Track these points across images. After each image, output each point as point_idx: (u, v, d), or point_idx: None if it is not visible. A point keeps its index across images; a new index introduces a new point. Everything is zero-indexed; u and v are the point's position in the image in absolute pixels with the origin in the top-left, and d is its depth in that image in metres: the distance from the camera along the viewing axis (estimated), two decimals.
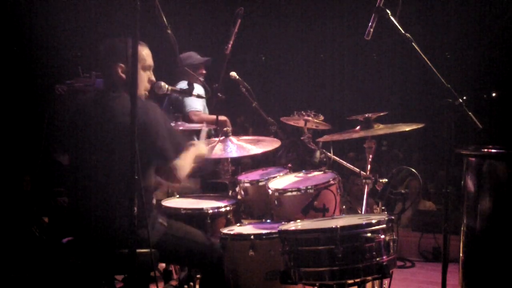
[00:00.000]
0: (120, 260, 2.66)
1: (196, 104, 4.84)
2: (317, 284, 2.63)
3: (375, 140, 3.54)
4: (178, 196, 3.87)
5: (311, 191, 3.32)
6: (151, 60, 2.99)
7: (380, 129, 3.44)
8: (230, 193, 3.77)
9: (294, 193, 3.37)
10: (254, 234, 3.07)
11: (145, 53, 2.96)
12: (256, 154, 3.86)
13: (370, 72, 9.29)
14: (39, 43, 7.28)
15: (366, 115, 3.47)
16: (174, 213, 3.40)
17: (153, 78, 3.01)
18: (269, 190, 3.46)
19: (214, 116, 4.55)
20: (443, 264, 2.83)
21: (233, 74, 4.65)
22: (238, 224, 3.41)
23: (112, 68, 2.87)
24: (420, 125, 3.34)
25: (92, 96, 2.98)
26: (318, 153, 3.76)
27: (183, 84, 4.33)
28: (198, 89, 4.41)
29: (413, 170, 3.34)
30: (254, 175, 3.88)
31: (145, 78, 2.96)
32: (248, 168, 4.31)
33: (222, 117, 4.62)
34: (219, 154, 3.65)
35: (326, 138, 3.62)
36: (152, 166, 2.86)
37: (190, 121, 4.65)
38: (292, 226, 2.89)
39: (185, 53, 5.02)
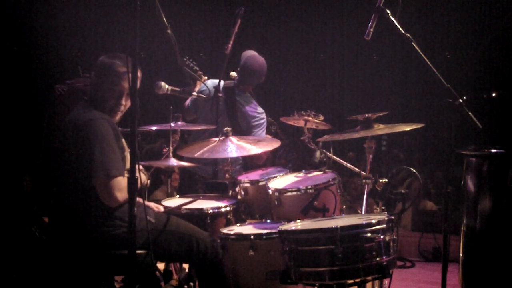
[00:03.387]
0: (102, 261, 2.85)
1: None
2: (317, 284, 2.63)
3: (375, 140, 3.54)
4: (178, 196, 3.88)
5: (311, 191, 3.32)
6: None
7: (380, 129, 3.43)
8: (230, 193, 3.77)
9: (294, 193, 3.37)
10: (254, 234, 3.07)
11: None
12: (256, 154, 3.86)
13: (370, 72, 9.27)
14: (39, 43, 7.28)
15: (366, 115, 3.47)
16: (174, 213, 3.40)
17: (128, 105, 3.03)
18: (269, 190, 3.46)
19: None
20: (443, 264, 2.84)
21: (233, 74, 4.66)
22: (238, 224, 3.42)
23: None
24: (420, 125, 3.34)
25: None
26: (318, 153, 3.76)
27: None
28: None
29: (413, 170, 3.33)
30: (254, 175, 3.88)
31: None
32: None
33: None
34: (219, 154, 3.65)
35: (326, 138, 3.62)
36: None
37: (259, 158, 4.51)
38: (292, 226, 2.89)
39: (259, 62, 4.57)
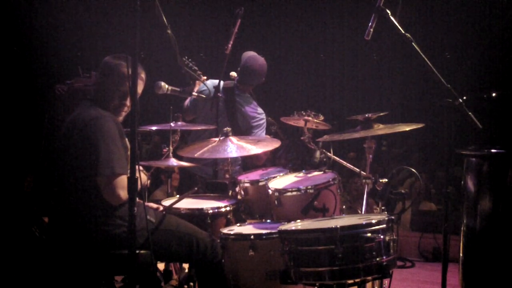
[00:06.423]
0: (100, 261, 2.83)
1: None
2: (317, 284, 2.63)
3: (375, 140, 3.54)
4: (178, 196, 3.87)
5: (311, 191, 3.32)
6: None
7: (380, 129, 3.44)
8: (230, 193, 3.77)
9: (294, 193, 3.37)
10: (254, 234, 3.07)
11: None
12: (256, 154, 3.86)
13: (370, 72, 9.29)
14: (39, 43, 7.28)
15: (366, 115, 3.47)
16: (174, 213, 3.40)
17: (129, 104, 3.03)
18: (269, 190, 3.46)
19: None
20: (443, 264, 2.83)
21: (233, 74, 4.66)
22: (238, 224, 3.42)
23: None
24: (420, 125, 3.34)
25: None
26: (318, 153, 3.76)
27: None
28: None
29: (413, 170, 3.33)
30: (254, 175, 3.88)
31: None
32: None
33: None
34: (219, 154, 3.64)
35: (326, 138, 3.62)
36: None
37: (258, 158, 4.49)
38: (292, 226, 2.89)
39: (259, 62, 4.57)
